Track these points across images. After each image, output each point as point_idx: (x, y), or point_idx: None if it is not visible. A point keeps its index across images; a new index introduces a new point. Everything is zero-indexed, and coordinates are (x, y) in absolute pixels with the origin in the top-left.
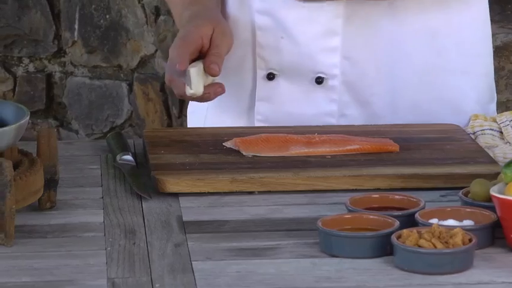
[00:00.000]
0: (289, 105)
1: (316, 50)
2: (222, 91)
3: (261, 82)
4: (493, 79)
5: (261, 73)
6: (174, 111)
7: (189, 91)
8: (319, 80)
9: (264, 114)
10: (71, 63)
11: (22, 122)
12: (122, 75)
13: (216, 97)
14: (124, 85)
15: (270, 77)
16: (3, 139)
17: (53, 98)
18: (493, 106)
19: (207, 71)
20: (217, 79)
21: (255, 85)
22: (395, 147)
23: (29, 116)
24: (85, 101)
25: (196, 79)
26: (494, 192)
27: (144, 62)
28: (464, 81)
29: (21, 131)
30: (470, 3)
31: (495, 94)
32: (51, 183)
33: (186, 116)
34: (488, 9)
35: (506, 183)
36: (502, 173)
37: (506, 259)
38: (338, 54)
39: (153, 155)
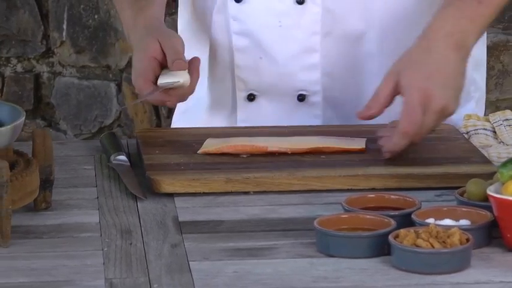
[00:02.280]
0: (272, 124)
1: (296, 68)
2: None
3: (241, 103)
4: (470, 80)
5: (241, 94)
6: (163, 111)
7: (178, 85)
8: (301, 98)
9: None
10: (59, 63)
11: (18, 122)
12: (110, 75)
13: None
14: (113, 85)
15: (251, 98)
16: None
17: (41, 98)
18: (470, 105)
19: (174, 68)
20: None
21: (236, 107)
22: (362, 148)
23: (24, 117)
24: (73, 101)
25: (171, 78)
26: (491, 192)
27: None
28: None
29: (17, 132)
30: None
31: (473, 93)
32: (46, 183)
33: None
34: None
35: (503, 183)
36: (499, 173)
37: (503, 259)
38: (318, 71)
39: (147, 155)
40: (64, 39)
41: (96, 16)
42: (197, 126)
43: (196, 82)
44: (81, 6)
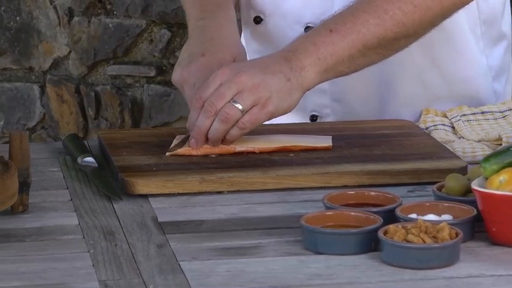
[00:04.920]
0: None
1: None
2: None
3: None
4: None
5: None
6: (90, 112)
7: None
8: (313, 118)
9: None
10: None
11: None
12: (33, 77)
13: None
14: (36, 87)
15: None
16: None
17: None
18: None
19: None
20: None
21: None
22: (328, 145)
23: (3, 120)
24: None
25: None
26: (475, 186)
27: (57, 63)
28: (449, 106)
29: None
30: (452, 39)
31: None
32: (24, 186)
33: (102, 118)
34: (477, 40)
35: (486, 178)
36: (481, 168)
37: (490, 252)
38: (327, 96)
39: (116, 157)
40: None
41: (18, 18)
42: None
43: None
44: (2, 8)
